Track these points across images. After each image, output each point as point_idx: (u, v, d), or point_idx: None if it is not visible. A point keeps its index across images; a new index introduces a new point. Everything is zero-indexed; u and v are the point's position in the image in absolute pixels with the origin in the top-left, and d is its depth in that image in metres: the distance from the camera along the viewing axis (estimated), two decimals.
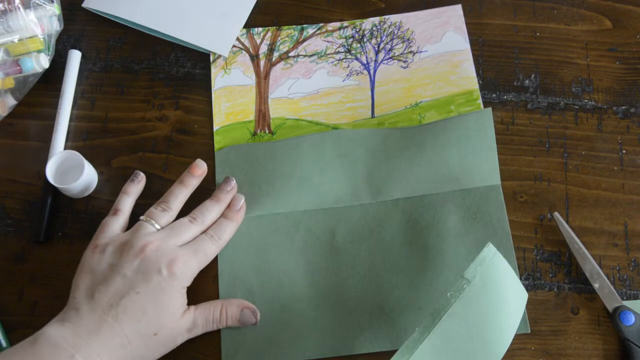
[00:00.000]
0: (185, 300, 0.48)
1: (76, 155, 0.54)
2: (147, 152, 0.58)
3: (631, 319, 0.49)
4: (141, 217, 0.50)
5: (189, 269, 0.48)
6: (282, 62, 0.61)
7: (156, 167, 0.57)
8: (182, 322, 0.47)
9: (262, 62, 0.61)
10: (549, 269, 0.53)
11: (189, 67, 0.61)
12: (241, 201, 0.53)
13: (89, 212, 0.55)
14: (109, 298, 0.45)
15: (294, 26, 0.63)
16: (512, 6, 0.64)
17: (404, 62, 0.61)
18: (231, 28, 0.62)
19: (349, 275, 0.52)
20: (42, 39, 0.57)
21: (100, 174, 0.57)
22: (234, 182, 0.54)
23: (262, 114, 0.59)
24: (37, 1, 0.57)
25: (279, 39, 0.62)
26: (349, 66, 0.61)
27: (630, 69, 0.61)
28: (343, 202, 0.55)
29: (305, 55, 0.61)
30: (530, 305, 0.51)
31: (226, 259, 0.53)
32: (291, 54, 0.61)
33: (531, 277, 0.53)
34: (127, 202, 0.52)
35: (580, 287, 0.52)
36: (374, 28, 0.62)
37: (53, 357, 0.42)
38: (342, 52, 0.61)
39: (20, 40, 0.56)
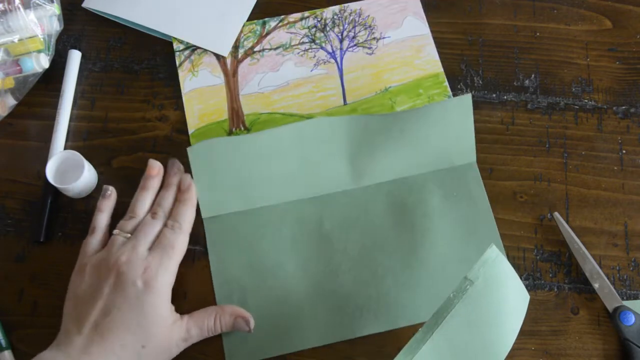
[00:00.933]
0: (171, 305, 0.48)
1: (76, 155, 0.54)
2: (147, 152, 0.57)
3: (631, 319, 0.49)
4: (114, 232, 0.50)
5: (165, 272, 0.48)
6: (249, 58, 0.61)
7: None
8: (174, 330, 0.47)
9: (228, 60, 0.61)
10: (549, 269, 0.53)
11: None
12: (187, 180, 0.53)
13: (89, 212, 0.55)
14: (94, 318, 0.45)
15: (255, 21, 0.63)
16: (512, 6, 0.64)
17: (369, 48, 0.61)
18: (231, 28, 0.62)
19: (341, 261, 0.53)
20: (42, 39, 0.57)
21: (100, 174, 0.57)
22: (178, 163, 0.54)
23: (235, 112, 0.59)
24: (37, 1, 0.57)
25: (242, 35, 0.62)
26: (315, 56, 0.61)
27: (630, 69, 0.61)
28: (327, 190, 0.55)
29: (270, 49, 0.62)
30: (530, 305, 0.51)
31: (217, 259, 0.53)
32: (256, 48, 0.62)
33: (531, 277, 0.53)
34: (101, 218, 0.52)
35: (580, 287, 0.52)
36: (335, 17, 0.63)
37: None
38: (306, 42, 0.62)
39: (20, 40, 0.56)
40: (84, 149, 0.57)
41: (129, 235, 0.50)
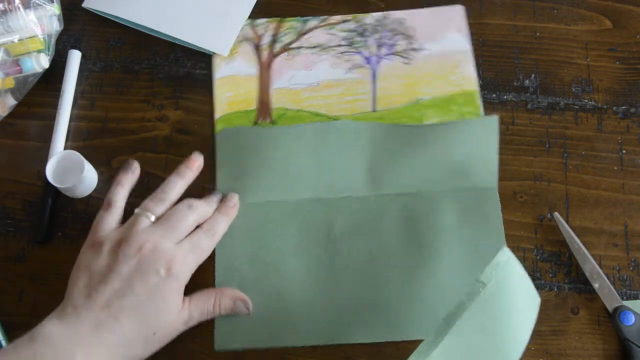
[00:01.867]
0: (182, 298, 0.48)
1: (76, 155, 0.54)
2: (147, 152, 0.58)
3: (631, 319, 0.49)
4: (136, 210, 0.50)
5: (187, 267, 0.48)
6: (285, 53, 0.61)
7: (156, 167, 0.57)
8: (179, 317, 0.47)
9: (264, 53, 0.61)
10: (549, 269, 0.53)
11: (189, 67, 0.61)
12: (235, 199, 0.53)
13: (89, 212, 0.55)
14: (107, 298, 0.45)
15: (297, 18, 0.63)
16: (512, 6, 0.64)
17: (406, 58, 0.61)
18: (231, 28, 0.62)
19: (345, 265, 0.52)
20: (42, 39, 0.57)
21: (100, 174, 0.57)
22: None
23: (264, 104, 0.59)
24: (37, 1, 0.57)
25: (282, 30, 0.62)
26: (350, 59, 0.61)
27: (630, 69, 0.61)
28: (342, 193, 0.55)
29: (307, 47, 0.62)
30: None
31: (222, 246, 0.53)
32: (293, 45, 0.62)
33: (531, 277, 0.52)
34: (120, 193, 0.51)
35: (580, 287, 0.52)
36: (377, 23, 0.62)
37: (54, 357, 0.42)
38: (344, 45, 0.62)
39: (20, 40, 0.56)
40: (84, 149, 0.57)
41: (153, 217, 0.49)
